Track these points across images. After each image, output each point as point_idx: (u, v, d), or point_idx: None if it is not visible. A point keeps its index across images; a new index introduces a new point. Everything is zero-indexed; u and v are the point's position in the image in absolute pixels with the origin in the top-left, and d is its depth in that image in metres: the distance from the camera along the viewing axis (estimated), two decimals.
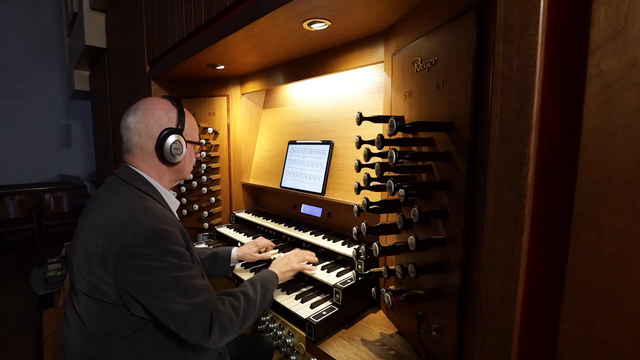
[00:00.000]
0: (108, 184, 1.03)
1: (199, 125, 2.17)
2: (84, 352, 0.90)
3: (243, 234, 1.89)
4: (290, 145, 1.89)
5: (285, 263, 1.32)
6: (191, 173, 2.13)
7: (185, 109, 1.14)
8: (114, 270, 0.85)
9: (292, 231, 1.69)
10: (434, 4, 0.90)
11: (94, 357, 0.90)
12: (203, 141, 2.09)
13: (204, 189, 2.14)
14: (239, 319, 0.98)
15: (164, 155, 1.04)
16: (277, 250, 1.59)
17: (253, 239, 1.77)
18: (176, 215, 1.12)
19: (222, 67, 1.89)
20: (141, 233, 0.85)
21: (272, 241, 1.63)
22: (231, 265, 1.48)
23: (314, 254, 1.44)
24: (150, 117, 1.04)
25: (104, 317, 0.89)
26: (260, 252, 1.54)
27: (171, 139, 1.03)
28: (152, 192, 1.02)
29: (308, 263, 1.39)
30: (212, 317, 0.91)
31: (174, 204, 1.13)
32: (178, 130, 1.06)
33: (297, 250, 1.42)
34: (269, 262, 1.56)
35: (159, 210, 0.95)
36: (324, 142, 1.69)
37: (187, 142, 1.10)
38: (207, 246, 1.90)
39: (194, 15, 1.67)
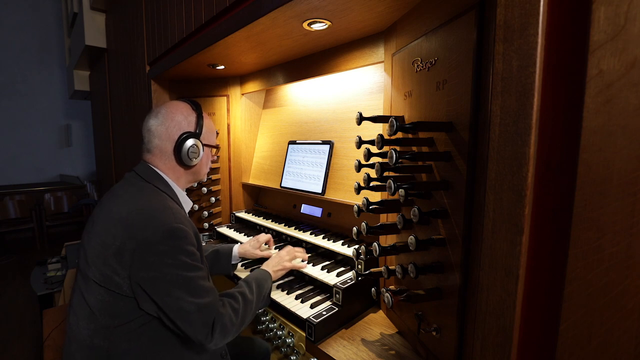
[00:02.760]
0: (127, 179, 1.07)
1: None
2: (91, 342, 0.92)
3: (243, 234, 1.89)
4: (290, 145, 1.89)
5: (277, 262, 1.35)
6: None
7: (204, 113, 1.17)
8: (130, 264, 0.88)
9: (292, 231, 1.69)
10: (434, 4, 0.90)
11: (101, 348, 0.91)
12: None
13: (204, 189, 2.14)
14: (238, 319, 1.01)
15: (181, 157, 1.08)
16: (277, 250, 1.59)
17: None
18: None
19: (222, 67, 1.89)
20: (159, 230, 0.88)
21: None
22: (233, 262, 1.50)
23: (303, 249, 1.46)
24: (170, 120, 1.08)
25: (114, 308, 0.91)
26: (261, 249, 1.55)
27: (189, 142, 1.07)
28: (169, 192, 1.06)
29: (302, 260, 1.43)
30: (214, 319, 0.93)
31: (187, 204, 1.17)
32: (196, 135, 1.10)
33: (289, 248, 1.43)
34: None
35: (177, 209, 0.98)
36: (324, 142, 1.69)
37: (204, 145, 1.13)
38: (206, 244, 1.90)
39: (194, 15, 1.67)
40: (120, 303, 0.91)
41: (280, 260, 1.36)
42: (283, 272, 1.35)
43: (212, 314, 0.93)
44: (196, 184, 2.11)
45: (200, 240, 1.02)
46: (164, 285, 0.88)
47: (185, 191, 1.09)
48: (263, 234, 1.60)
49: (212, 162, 1.26)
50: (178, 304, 0.89)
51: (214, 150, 1.25)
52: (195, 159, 1.10)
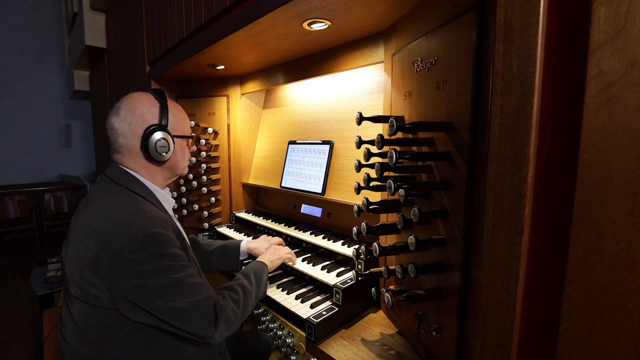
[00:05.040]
0: (99, 185, 1.00)
1: (198, 126, 2.17)
2: (80, 354, 0.90)
3: (243, 234, 1.89)
4: (290, 145, 1.89)
5: (272, 253, 1.38)
6: (191, 173, 2.16)
7: (172, 102, 1.09)
8: (108, 275, 0.83)
9: (292, 231, 1.69)
10: (434, 4, 0.90)
11: (91, 359, 0.90)
12: (203, 141, 2.09)
13: (204, 189, 2.14)
14: (239, 310, 1.00)
15: (150, 154, 1.00)
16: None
17: (253, 239, 1.77)
18: (171, 214, 1.10)
19: (222, 67, 1.89)
20: (134, 237, 0.84)
21: None
22: (241, 258, 1.48)
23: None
24: (132, 115, 1.00)
25: (97, 321, 0.88)
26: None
27: (156, 136, 0.99)
28: (144, 193, 1.00)
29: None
30: (216, 312, 0.92)
31: (168, 202, 1.10)
32: (162, 127, 1.01)
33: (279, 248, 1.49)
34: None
35: (152, 212, 0.93)
36: (324, 142, 1.69)
37: (174, 137, 1.05)
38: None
39: (194, 15, 1.67)
40: (103, 316, 0.87)
41: (276, 251, 1.39)
42: (279, 262, 1.37)
43: (209, 308, 0.91)
44: (196, 184, 2.13)
45: (185, 240, 0.99)
46: (152, 292, 0.84)
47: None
48: (276, 237, 1.59)
49: (192, 153, 1.19)
50: (171, 306, 0.86)
51: (190, 140, 1.17)
52: (166, 153, 1.02)
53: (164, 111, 1.04)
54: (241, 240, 1.51)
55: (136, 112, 1.00)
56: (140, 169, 1.03)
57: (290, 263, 1.44)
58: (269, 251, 1.39)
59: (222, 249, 1.47)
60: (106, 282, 0.84)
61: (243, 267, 1.24)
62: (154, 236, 0.86)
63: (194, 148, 1.23)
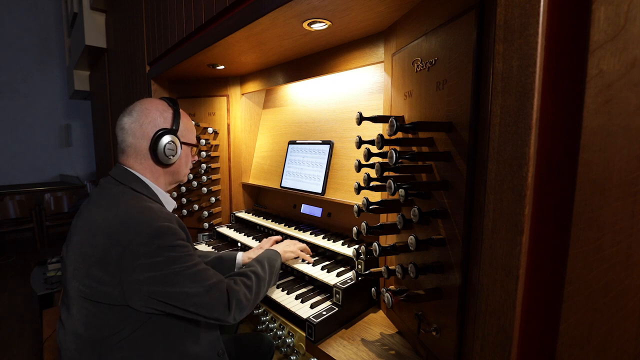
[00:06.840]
0: (102, 185, 1.02)
1: (198, 126, 2.17)
2: (80, 357, 0.90)
3: (243, 234, 1.89)
4: (290, 145, 1.89)
5: (287, 244, 1.43)
6: (191, 173, 2.16)
7: (182, 111, 1.13)
8: (118, 270, 0.85)
9: (292, 231, 1.69)
10: (434, 4, 0.90)
11: None
12: (203, 141, 2.09)
13: (204, 189, 2.14)
14: (252, 295, 1.06)
15: (157, 156, 1.03)
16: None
17: (253, 239, 1.78)
18: None
19: (222, 67, 1.89)
20: (143, 231, 0.86)
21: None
22: (236, 270, 1.46)
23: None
24: (145, 117, 1.03)
25: (101, 320, 0.88)
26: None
27: (165, 139, 1.03)
28: (148, 193, 1.02)
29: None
30: (229, 295, 0.97)
31: (170, 204, 1.13)
32: (172, 131, 1.05)
33: (296, 241, 1.53)
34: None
35: (158, 208, 0.96)
36: (324, 142, 1.69)
37: (182, 143, 1.09)
38: (208, 247, 1.90)
39: (194, 15, 1.67)
40: (109, 313, 0.88)
41: (290, 243, 1.43)
42: (292, 255, 1.41)
43: (222, 291, 0.96)
44: (196, 184, 2.13)
45: (189, 235, 1.01)
46: (165, 281, 0.87)
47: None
48: (265, 240, 1.58)
49: (193, 162, 1.21)
50: (185, 292, 0.89)
51: (194, 149, 1.21)
52: (173, 156, 1.06)
53: (176, 117, 1.09)
54: (237, 252, 1.47)
55: (149, 114, 1.04)
56: (144, 170, 1.06)
57: (302, 260, 1.45)
58: (285, 242, 1.43)
59: (217, 261, 1.45)
60: (117, 277, 0.85)
61: (257, 255, 1.29)
62: (162, 229, 0.89)
63: (197, 158, 1.27)
